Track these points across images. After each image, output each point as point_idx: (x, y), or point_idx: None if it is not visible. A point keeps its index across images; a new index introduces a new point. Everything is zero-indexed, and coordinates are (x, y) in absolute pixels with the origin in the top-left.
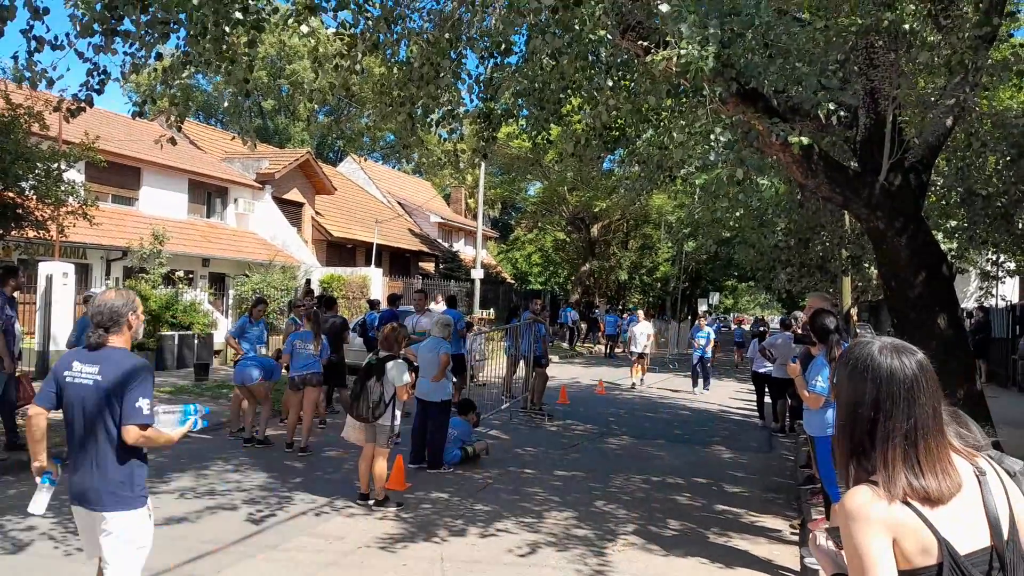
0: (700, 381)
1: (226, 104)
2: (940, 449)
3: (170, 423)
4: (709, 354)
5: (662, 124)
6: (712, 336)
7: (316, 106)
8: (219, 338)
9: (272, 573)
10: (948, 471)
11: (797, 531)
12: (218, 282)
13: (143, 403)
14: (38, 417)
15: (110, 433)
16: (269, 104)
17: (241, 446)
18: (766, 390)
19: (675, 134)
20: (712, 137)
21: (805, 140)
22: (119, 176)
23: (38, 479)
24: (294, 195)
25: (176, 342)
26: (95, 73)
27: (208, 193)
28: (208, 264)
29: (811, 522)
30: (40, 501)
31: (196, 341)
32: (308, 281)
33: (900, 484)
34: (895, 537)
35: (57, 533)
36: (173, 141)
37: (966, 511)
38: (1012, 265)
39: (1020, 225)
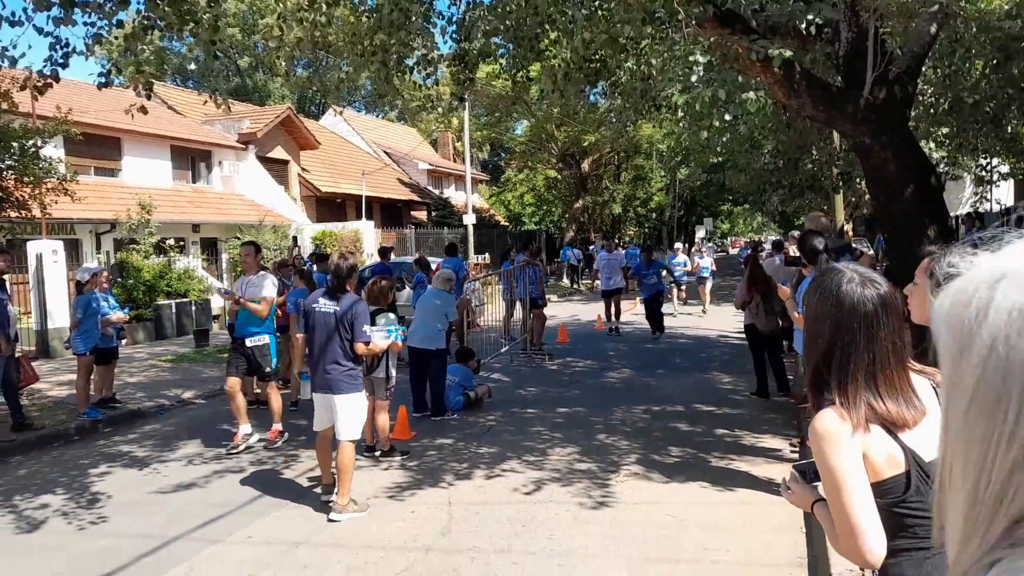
0: (674, 302)
1: (192, 67)
2: (900, 380)
3: (380, 337)
4: (684, 279)
5: (642, 54)
6: (688, 264)
7: (294, 60)
8: (216, 303)
9: (283, 530)
10: (911, 399)
11: (797, 449)
12: (210, 247)
13: (366, 328)
14: (301, 339)
15: (343, 344)
16: (245, 62)
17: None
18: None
19: (653, 60)
20: (691, 59)
21: (787, 52)
22: (99, 148)
23: (299, 377)
24: (278, 153)
25: (173, 310)
26: (58, 47)
27: (192, 158)
28: (198, 230)
29: (809, 439)
30: (307, 390)
31: (193, 308)
32: (295, 239)
33: (862, 409)
34: (864, 452)
35: (69, 508)
36: (144, 110)
37: (929, 425)
38: (1005, 168)
39: (1010, 129)
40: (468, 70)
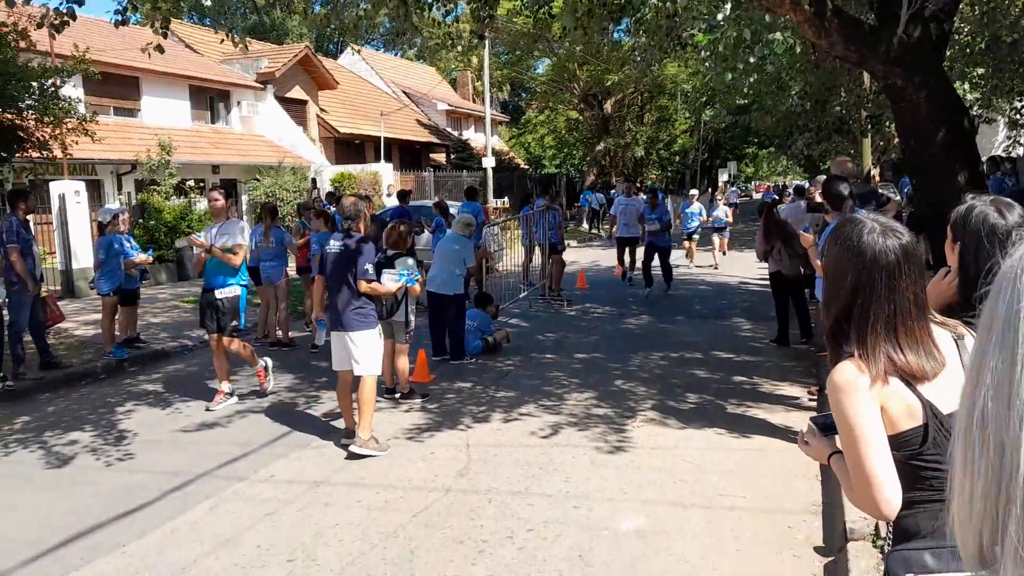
0: (691, 256)
1: (208, 3)
2: (921, 332)
3: (390, 280)
4: (696, 229)
5: None
6: (704, 212)
7: None
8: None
9: (305, 470)
10: (932, 351)
11: (815, 397)
12: (230, 188)
13: (368, 266)
14: (319, 282)
15: (351, 283)
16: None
17: (268, 350)
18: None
19: None
20: None
21: None
22: (118, 87)
23: (316, 323)
24: (297, 93)
25: (194, 251)
26: None
27: (210, 98)
28: (218, 171)
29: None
30: (322, 336)
31: None
32: (314, 180)
33: (882, 361)
34: (882, 404)
35: (97, 445)
36: (160, 48)
37: (948, 377)
38: None
39: None
40: (488, 6)
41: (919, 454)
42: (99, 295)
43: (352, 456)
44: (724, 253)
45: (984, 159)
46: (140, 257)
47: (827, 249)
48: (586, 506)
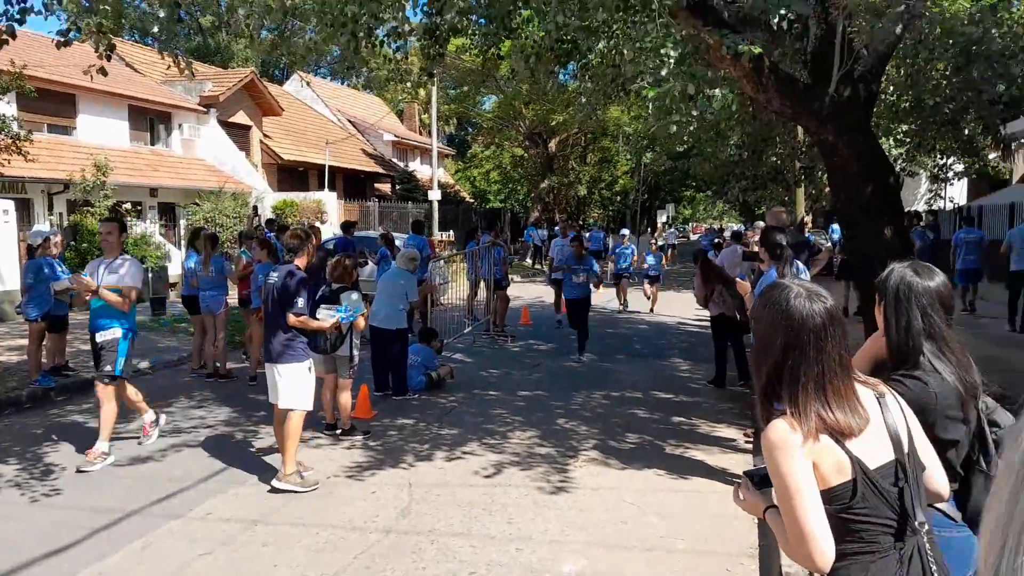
0: (623, 297)
1: (156, 30)
2: (847, 390)
3: (326, 315)
4: (630, 269)
5: (614, 37)
6: (635, 252)
7: (261, 24)
8: (173, 270)
9: (243, 508)
10: (857, 409)
11: (751, 440)
12: (168, 212)
13: (299, 300)
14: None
15: (279, 316)
16: (208, 20)
17: (204, 381)
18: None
19: (625, 51)
20: (663, 52)
21: (756, 49)
22: (54, 104)
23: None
24: (240, 118)
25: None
26: (14, 2)
27: (150, 119)
28: (156, 194)
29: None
30: None
31: (150, 275)
32: (255, 208)
33: (813, 419)
34: (814, 461)
35: (22, 479)
36: (103, 71)
37: (872, 434)
38: (960, 167)
39: (967, 131)
40: (439, 44)
41: (849, 508)
42: (26, 320)
43: (275, 491)
44: (654, 303)
45: (909, 211)
46: (66, 282)
47: (757, 312)
48: (529, 548)
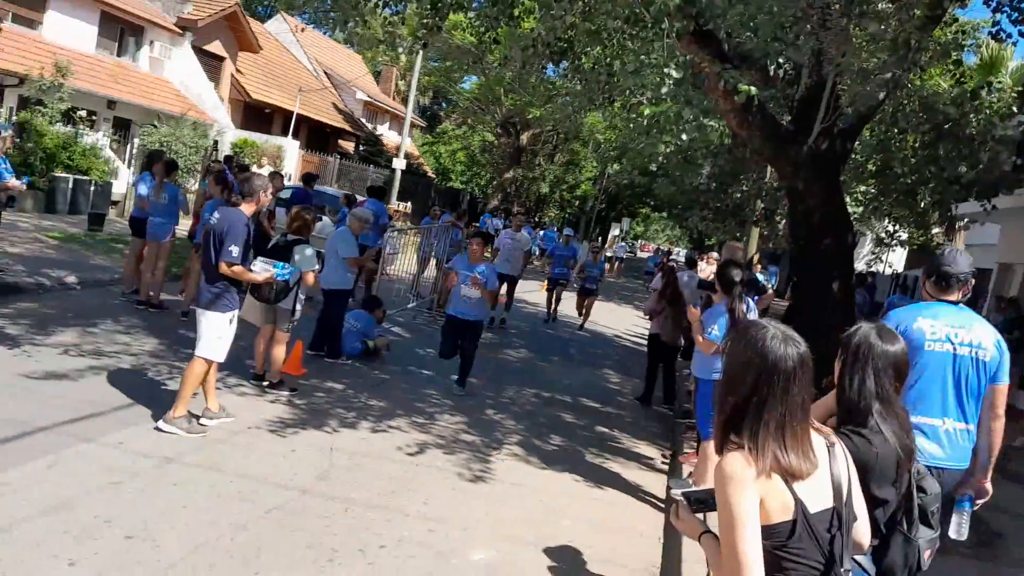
0: (552, 307)
1: None
2: (803, 435)
3: (262, 268)
4: (568, 275)
5: (613, 44)
6: (577, 256)
7: None
8: (118, 188)
9: (158, 444)
10: (809, 454)
11: (668, 461)
12: (123, 128)
13: (233, 248)
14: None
15: (212, 260)
16: None
17: (134, 307)
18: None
19: (627, 63)
20: (666, 71)
21: (753, 89)
22: None
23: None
24: (216, 47)
25: (70, 185)
26: None
27: (121, 29)
28: (114, 107)
29: (682, 455)
30: None
31: (93, 188)
32: (215, 142)
33: (768, 458)
34: (762, 497)
35: None
36: None
37: (817, 479)
38: (904, 236)
39: (922, 204)
40: (439, 16)
41: (784, 546)
42: None
43: (157, 428)
44: (586, 319)
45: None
46: (12, 182)
47: (731, 346)
48: (441, 531)
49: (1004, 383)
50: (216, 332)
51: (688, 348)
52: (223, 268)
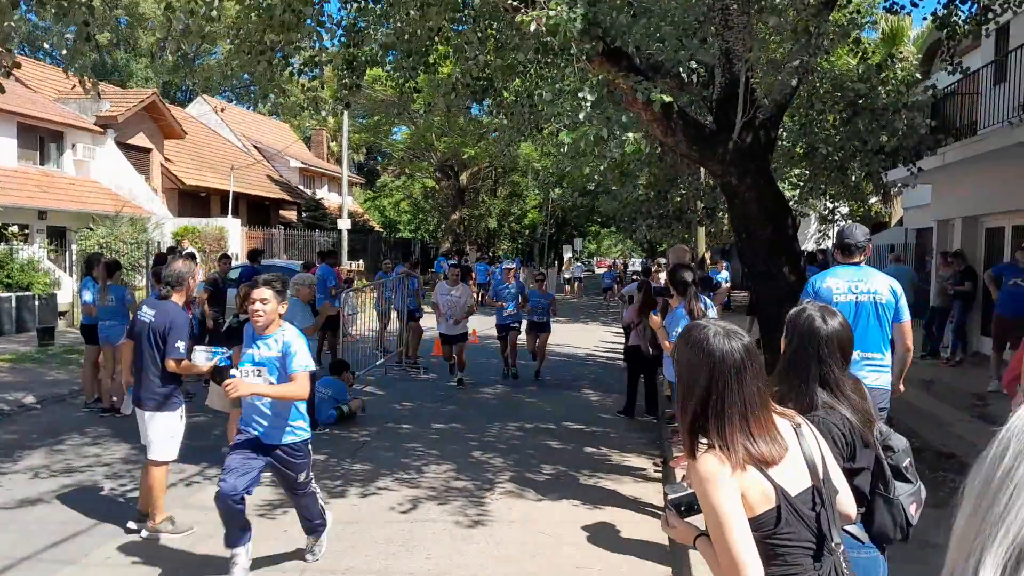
0: (510, 361)
1: (64, 53)
2: (767, 421)
3: (203, 357)
4: (519, 317)
5: (530, 75)
6: (523, 290)
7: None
8: (63, 298)
9: (145, 551)
10: (776, 438)
11: (660, 468)
12: (58, 237)
13: (180, 344)
14: (128, 346)
15: (155, 358)
16: (105, 37)
17: (98, 417)
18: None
19: (544, 93)
20: (580, 95)
21: (666, 98)
22: None
23: (126, 390)
24: (140, 140)
25: (13, 304)
26: None
27: (41, 138)
28: (45, 217)
29: (672, 460)
30: (129, 404)
31: (37, 303)
32: (158, 242)
33: (739, 451)
34: (742, 491)
35: None
36: (1, 88)
37: (791, 462)
38: (845, 210)
39: (853, 178)
40: (355, 75)
41: (774, 533)
42: None
43: (145, 537)
44: (541, 361)
45: (804, 250)
46: None
47: (678, 352)
48: None
49: (903, 321)
50: (169, 432)
51: (658, 357)
52: (171, 366)
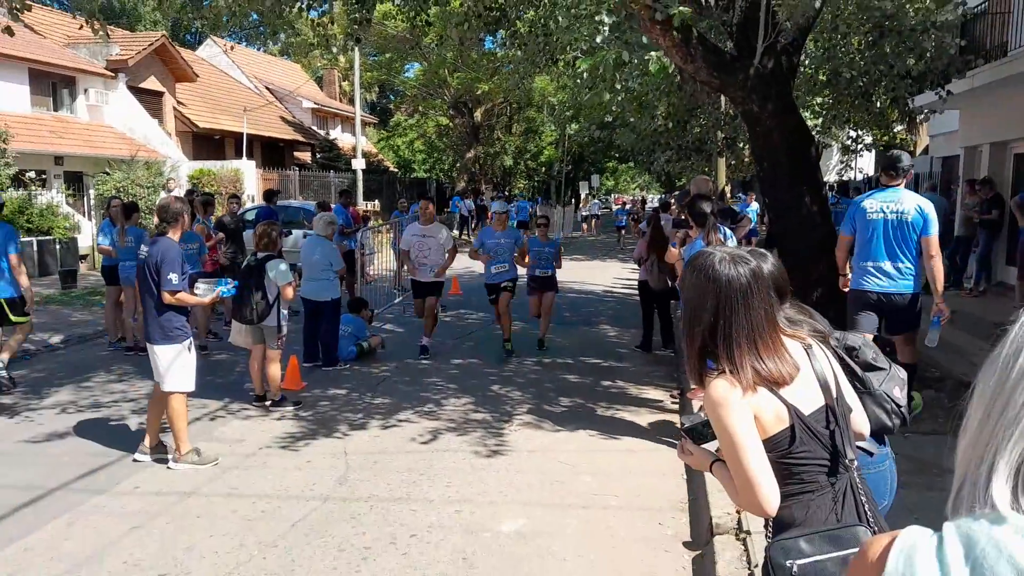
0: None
1: None
2: (775, 342)
3: (206, 290)
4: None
5: (544, 4)
6: (518, 246)
7: None
8: (84, 241)
9: (173, 481)
10: (786, 359)
11: (677, 400)
12: (75, 182)
13: (172, 276)
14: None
15: (153, 293)
16: None
17: (124, 355)
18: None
19: (559, 18)
20: (597, 19)
21: (686, 10)
22: None
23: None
24: (152, 84)
25: (36, 248)
26: None
27: (53, 83)
28: (62, 162)
29: (689, 392)
30: None
31: (58, 247)
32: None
33: (749, 373)
34: (755, 413)
35: None
36: (10, 31)
37: (803, 382)
38: (869, 140)
39: (878, 104)
40: (366, 9)
41: (789, 453)
42: None
43: (171, 468)
44: (545, 326)
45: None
46: None
47: (685, 279)
48: (468, 510)
49: (930, 235)
50: (179, 363)
51: (676, 290)
52: (167, 298)
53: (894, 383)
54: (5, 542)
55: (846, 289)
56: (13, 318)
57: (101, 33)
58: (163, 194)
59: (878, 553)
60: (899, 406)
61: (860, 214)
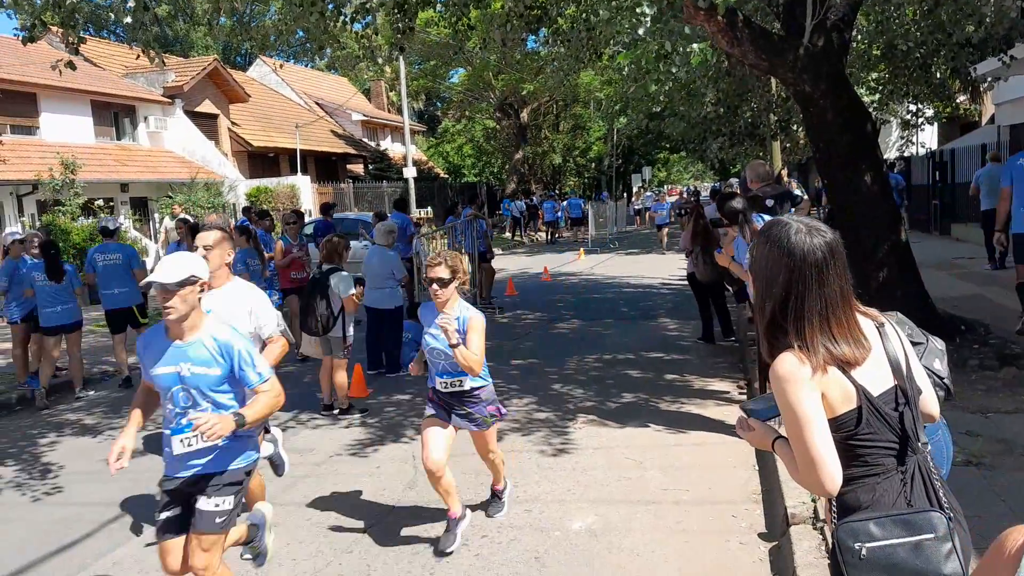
0: None
1: (128, 20)
2: (850, 322)
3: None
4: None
5: (584, 0)
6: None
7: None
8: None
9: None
10: (860, 339)
11: (745, 390)
12: (141, 206)
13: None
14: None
15: None
16: (164, 9)
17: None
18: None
19: (601, 11)
20: (638, 11)
21: None
22: (14, 104)
23: None
24: (207, 107)
25: None
26: None
27: (115, 113)
28: (127, 189)
29: (757, 382)
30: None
31: None
32: (232, 204)
33: (820, 352)
34: (823, 391)
35: (22, 479)
36: (72, 65)
37: (874, 362)
38: (930, 112)
39: (938, 75)
40: (408, 18)
41: (855, 435)
42: (8, 323)
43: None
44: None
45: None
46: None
47: (757, 250)
48: (537, 509)
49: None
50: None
51: (741, 290)
52: None
53: (933, 356)
54: (96, 556)
55: (1001, 248)
56: (142, 320)
57: (157, 61)
58: (168, 221)
59: (1017, 545)
60: (941, 378)
61: (1018, 170)
